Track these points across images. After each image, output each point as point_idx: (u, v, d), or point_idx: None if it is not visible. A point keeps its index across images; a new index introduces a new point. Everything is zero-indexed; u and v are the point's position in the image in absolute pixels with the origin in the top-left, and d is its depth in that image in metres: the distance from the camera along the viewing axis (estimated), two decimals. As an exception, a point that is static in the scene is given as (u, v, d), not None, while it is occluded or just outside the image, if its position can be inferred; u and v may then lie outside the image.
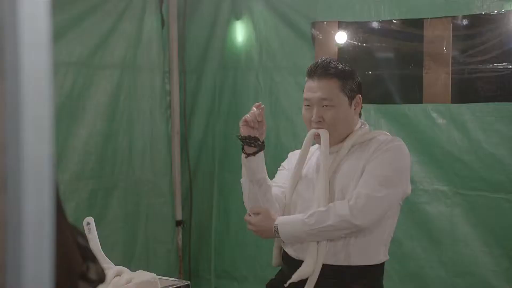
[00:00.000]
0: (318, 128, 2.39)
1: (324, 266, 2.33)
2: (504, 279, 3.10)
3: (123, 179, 3.95)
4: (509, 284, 3.08)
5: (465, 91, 3.37)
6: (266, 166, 3.80)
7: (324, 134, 2.36)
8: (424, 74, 3.35)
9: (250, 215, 2.49)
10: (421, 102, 3.36)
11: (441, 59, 3.29)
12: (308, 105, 2.42)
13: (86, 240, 1.26)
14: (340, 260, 2.33)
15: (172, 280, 2.74)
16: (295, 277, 2.35)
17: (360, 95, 2.45)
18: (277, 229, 2.39)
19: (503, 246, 3.11)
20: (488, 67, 3.26)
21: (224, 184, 4.05)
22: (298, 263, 2.38)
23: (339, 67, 2.41)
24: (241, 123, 2.37)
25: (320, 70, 2.40)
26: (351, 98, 2.41)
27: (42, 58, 0.60)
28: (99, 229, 3.55)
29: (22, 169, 0.59)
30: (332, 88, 2.39)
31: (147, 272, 2.65)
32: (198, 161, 4.20)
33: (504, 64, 3.16)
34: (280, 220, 2.39)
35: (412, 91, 3.50)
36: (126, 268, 2.68)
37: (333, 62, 2.43)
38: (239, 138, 2.37)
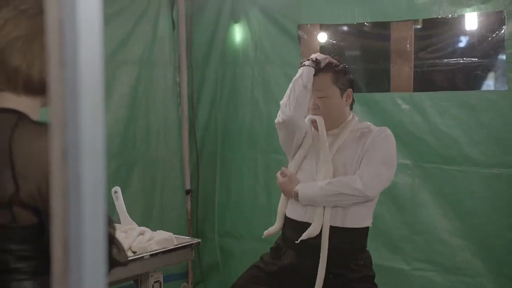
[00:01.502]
0: (314, 114, 2.43)
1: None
2: (456, 236, 3.12)
3: (141, 157, 3.94)
4: (461, 239, 3.10)
5: (425, 81, 3.37)
6: (260, 145, 3.82)
7: (319, 119, 2.40)
8: (391, 68, 3.35)
9: (281, 173, 2.48)
10: (388, 91, 3.37)
11: (405, 55, 3.29)
12: (311, 95, 2.45)
13: (112, 228, 1.36)
14: (337, 222, 2.38)
15: (186, 238, 2.79)
16: (304, 236, 2.38)
17: (351, 89, 2.47)
18: (297, 194, 2.41)
19: (455, 209, 3.11)
20: (443, 61, 3.25)
21: (225, 160, 4.05)
22: (300, 225, 2.42)
23: (333, 64, 2.44)
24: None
25: (322, 67, 2.43)
26: (342, 90, 2.43)
27: (96, 52, 0.60)
28: (123, 197, 3.56)
29: (80, 146, 0.60)
30: (326, 81, 2.41)
31: (165, 232, 2.70)
32: (204, 142, 4.18)
33: (456, 59, 3.16)
34: (300, 187, 2.41)
35: (381, 82, 3.50)
36: (148, 228, 2.72)
37: (330, 61, 2.45)
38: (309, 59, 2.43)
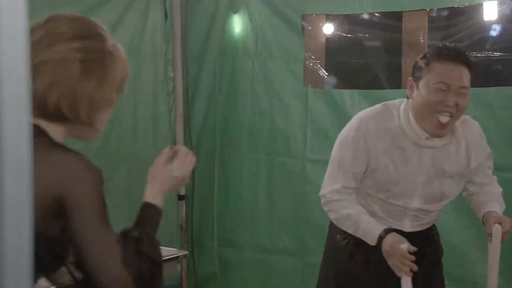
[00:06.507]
0: (447, 113, 2.13)
1: None
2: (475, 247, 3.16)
3: (127, 157, 3.90)
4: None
5: (440, 77, 3.38)
6: (262, 145, 3.83)
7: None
8: (402, 62, 3.35)
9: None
10: (400, 87, 3.31)
11: (418, 48, 3.26)
12: (443, 89, 2.11)
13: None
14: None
15: (173, 250, 2.80)
16: None
17: None
18: None
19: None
20: (460, 55, 3.25)
21: (224, 159, 4.03)
22: None
23: (467, 56, 2.21)
24: None
25: (456, 55, 2.15)
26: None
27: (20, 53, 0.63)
28: (107, 201, 3.51)
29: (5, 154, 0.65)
30: (468, 76, 2.15)
31: None
32: (200, 140, 4.17)
33: (473, 53, 3.14)
34: None
35: (392, 77, 3.53)
36: None
37: (462, 49, 2.27)
38: None
